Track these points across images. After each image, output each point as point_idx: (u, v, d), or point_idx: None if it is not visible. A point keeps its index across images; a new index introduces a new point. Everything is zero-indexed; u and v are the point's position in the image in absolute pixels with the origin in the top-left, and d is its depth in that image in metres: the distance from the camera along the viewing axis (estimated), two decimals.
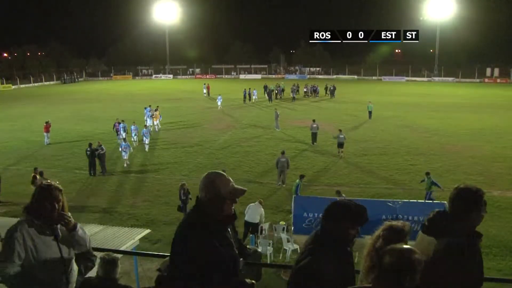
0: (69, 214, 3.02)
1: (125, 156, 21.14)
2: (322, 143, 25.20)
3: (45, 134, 26.02)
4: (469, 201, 2.69)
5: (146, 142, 24.31)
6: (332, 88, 49.53)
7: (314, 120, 25.59)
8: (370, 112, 33.64)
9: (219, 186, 2.56)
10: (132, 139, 24.97)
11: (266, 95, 46.34)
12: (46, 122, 26.22)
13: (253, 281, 2.69)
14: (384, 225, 2.91)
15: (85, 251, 3.16)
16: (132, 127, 25.44)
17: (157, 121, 30.52)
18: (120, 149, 21.72)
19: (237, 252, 2.69)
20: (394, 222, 2.95)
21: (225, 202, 2.58)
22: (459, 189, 2.76)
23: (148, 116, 30.09)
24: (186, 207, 14.08)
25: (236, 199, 2.64)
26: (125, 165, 21.04)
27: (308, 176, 18.52)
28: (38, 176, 15.72)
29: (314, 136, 25.04)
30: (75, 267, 3.13)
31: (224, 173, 2.65)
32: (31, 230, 2.85)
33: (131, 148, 22.27)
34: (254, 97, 45.25)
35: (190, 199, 14.18)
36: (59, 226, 2.98)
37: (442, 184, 15.38)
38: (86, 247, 3.15)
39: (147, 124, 27.88)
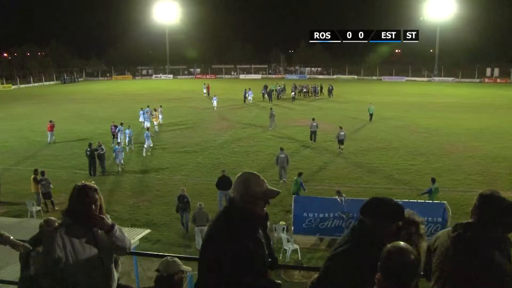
0: (108, 216, 2.92)
1: (118, 161, 20.17)
2: (322, 143, 25.21)
3: (48, 133, 26.11)
4: (497, 211, 2.64)
5: (146, 146, 23.33)
6: (330, 87, 49.89)
7: (313, 119, 25.88)
8: (371, 115, 32.62)
9: (253, 186, 2.59)
10: (126, 144, 23.89)
11: (266, 95, 46.33)
12: (50, 121, 26.36)
13: (279, 282, 2.70)
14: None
15: (126, 254, 3.06)
16: (127, 131, 24.22)
17: (156, 122, 30.20)
18: (114, 154, 20.35)
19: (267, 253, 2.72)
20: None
21: (258, 202, 2.60)
22: (484, 198, 2.70)
23: (146, 118, 29.29)
24: (186, 212, 13.82)
25: (269, 200, 2.66)
26: (119, 169, 20.21)
27: (308, 175, 18.54)
28: (39, 177, 15.76)
29: (313, 134, 25.39)
30: (115, 272, 3.02)
31: (259, 174, 2.68)
32: (71, 234, 2.75)
33: (123, 154, 20.90)
34: (249, 98, 44.51)
35: (189, 202, 13.97)
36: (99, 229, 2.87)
37: (442, 184, 15.37)
38: (126, 250, 3.04)
39: (145, 126, 27.56)
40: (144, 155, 23.17)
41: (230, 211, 2.62)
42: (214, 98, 39.86)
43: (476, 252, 2.61)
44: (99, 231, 2.88)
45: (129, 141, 24.31)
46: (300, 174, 15.81)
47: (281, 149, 19.11)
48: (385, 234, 2.59)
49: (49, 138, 26.11)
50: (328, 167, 20.81)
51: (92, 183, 2.93)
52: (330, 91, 49.43)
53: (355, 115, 35.04)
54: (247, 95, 44.67)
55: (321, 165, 21.15)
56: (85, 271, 2.76)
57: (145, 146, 23.47)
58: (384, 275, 2.21)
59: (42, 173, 15.90)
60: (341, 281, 2.51)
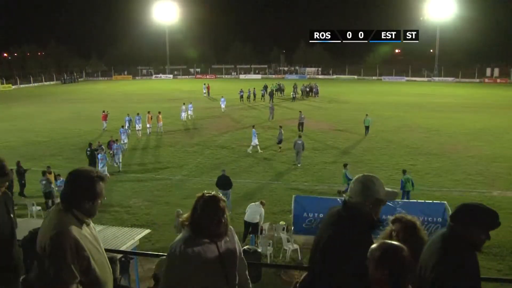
0: (232, 228, 2.78)
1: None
2: (322, 143, 25.24)
3: (103, 122, 29.47)
4: None
5: (253, 144, 22.62)
6: (315, 85, 52.18)
7: (300, 112, 28.71)
8: (367, 127, 27.73)
9: (378, 190, 2.57)
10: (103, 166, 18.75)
11: (267, 94, 46.40)
12: (103, 111, 29.78)
13: None
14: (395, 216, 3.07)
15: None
16: (99, 155, 18.78)
17: (161, 123, 29.18)
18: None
19: None
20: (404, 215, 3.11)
21: (379, 205, 2.59)
22: None
23: (124, 133, 24.73)
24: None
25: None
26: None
27: (307, 176, 18.56)
28: (51, 173, 16.39)
29: (301, 125, 27.79)
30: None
31: (377, 177, 2.64)
32: (193, 248, 2.60)
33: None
34: (222, 106, 38.39)
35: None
36: (223, 242, 2.72)
37: (442, 184, 15.35)
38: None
39: (124, 141, 24.12)
40: (250, 152, 23.11)
41: (357, 217, 2.55)
42: (190, 106, 34.97)
43: None
44: (223, 244, 2.71)
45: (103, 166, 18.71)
46: (345, 165, 16.90)
47: (299, 136, 21.39)
48: (475, 241, 2.53)
49: (104, 126, 29.16)
50: (328, 167, 20.80)
51: (219, 194, 2.74)
52: (314, 91, 51.33)
53: (355, 115, 34.98)
54: (253, 94, 44.89)
55: (321, 165, 21.14)
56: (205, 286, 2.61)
57: (252, 144, 23.15)
58: (380, 272, 2.21)
59: (43, 173, 15.93)
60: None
